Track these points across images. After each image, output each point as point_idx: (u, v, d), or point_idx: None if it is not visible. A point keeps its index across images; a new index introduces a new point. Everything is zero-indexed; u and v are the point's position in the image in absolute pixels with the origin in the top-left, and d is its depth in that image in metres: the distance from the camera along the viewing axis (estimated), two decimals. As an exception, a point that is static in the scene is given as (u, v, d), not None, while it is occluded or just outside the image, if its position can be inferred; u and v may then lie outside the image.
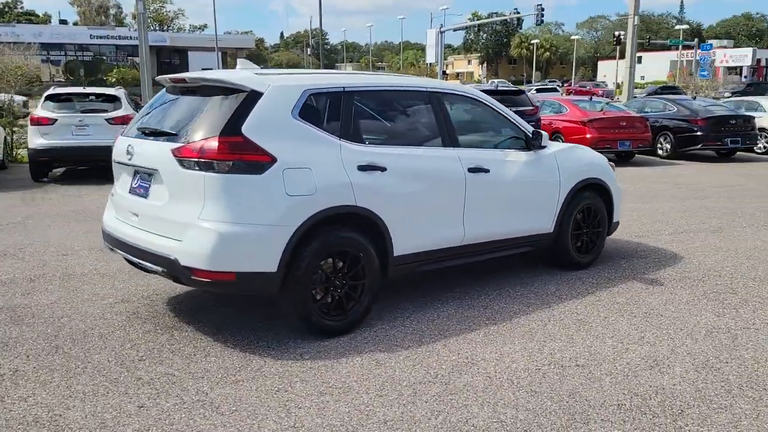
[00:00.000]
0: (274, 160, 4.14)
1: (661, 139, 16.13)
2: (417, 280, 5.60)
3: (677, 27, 79.48)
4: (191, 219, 4.14)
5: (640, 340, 4.44)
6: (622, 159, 15.12)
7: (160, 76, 5.04)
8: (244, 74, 4.53)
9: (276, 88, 4.33)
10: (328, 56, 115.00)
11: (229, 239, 4.07)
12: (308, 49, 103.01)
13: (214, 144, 4.06)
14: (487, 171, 5.22)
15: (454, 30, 57.44)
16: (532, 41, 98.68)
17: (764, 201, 10.26)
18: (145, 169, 4.53)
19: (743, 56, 68.48)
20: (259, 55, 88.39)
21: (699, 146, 15.45)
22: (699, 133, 15.44)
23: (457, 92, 5.48)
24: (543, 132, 5.74)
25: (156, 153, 4.39)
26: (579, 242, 6.10)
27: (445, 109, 5.18)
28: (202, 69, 60.82)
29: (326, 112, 4.53)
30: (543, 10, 40.20)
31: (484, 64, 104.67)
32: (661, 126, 16.06)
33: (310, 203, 4.24)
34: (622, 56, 29.31)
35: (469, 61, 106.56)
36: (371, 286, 4.60)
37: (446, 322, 4.77)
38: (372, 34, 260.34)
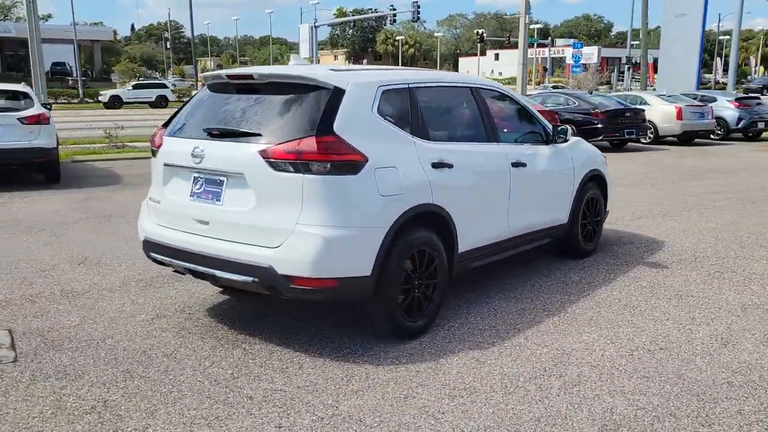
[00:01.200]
0: (366, 159, 3.99)
1: (566, 132, 17.17)
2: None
3: (531, 26, 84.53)
4: (288, 224, 3.90)
5: (694, 321, 4.73)
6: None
7: (208, 72, 4.68)
8: (321, 71, 4.31)
9: (356, 85, 4.16)
10: (185, 50, 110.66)
11: (333, 244, 3.88)
12: (167, 43, 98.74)
13: (312, 144, 3.85)
14: (524, 165, 5.34)
15: (329, 25, 57.42)
16: (397, 38, 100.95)
17: (683, 186, 11.27)
18: (218, 173, 4.19)
19: (591, 54, 73.92)
20: (112, 48, 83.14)
21: (600, 138, 16.58)
22: (599, 126, 16.60)
23: (492, 88, 5.54)
24: (567, 126, 5.95)
25: (238, 155, 4.07)
26: (584, 231, 6.39)
27: (486, 105, 5.22)
28: (53, 63, 55.14)
29: (398, 108, 4.43)
30: (419, 7, 41.31)
31: (351, 60, 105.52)
32: (565, 119, 17.05)
33: (399, 203, 4.14)
34: (483, 53, 30.76)
35: (336, 57, 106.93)
36: (442, 284, 4.56)
37: (508, 317, 4.82)
38: (238, 28, 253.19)
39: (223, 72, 4.57)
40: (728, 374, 3.86)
